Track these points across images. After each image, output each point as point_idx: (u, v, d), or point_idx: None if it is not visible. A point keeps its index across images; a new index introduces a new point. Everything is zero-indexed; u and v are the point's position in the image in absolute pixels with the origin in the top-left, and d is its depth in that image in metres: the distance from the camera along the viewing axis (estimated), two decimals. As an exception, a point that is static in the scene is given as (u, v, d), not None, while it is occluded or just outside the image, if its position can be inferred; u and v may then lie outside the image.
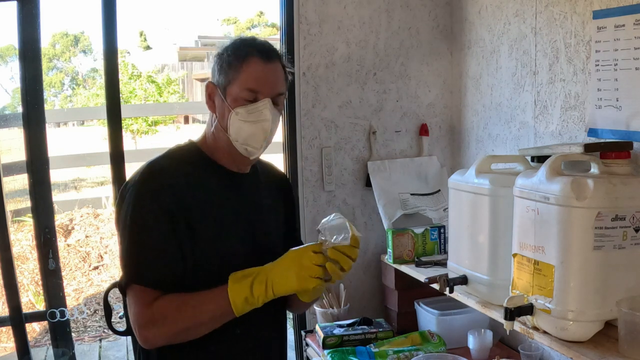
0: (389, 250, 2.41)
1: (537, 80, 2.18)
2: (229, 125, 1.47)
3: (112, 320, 2.35)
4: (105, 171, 8.36)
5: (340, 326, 2.47)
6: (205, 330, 1.42)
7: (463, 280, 1.86)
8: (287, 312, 1.72)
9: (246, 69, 1.46)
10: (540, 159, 1.85)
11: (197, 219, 1.45)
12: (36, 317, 2.89)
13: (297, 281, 1.38)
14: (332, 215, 1.46)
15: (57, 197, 7.26)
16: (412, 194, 2.65)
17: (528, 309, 1.52)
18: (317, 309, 2.59)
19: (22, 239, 5.96)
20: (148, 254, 1.41)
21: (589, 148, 1.63)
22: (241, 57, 1.47)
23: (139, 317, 1.40)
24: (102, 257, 6.46)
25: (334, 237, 1.40)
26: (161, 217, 1.41)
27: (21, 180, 2.73)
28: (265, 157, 1.63)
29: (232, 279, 1.40)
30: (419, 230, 2.40)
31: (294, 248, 1.44)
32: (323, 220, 1.45)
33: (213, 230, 1.47)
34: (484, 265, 1.78)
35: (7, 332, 4.47)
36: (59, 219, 6.63)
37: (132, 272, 1.42)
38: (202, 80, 12.02)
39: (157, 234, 1.41)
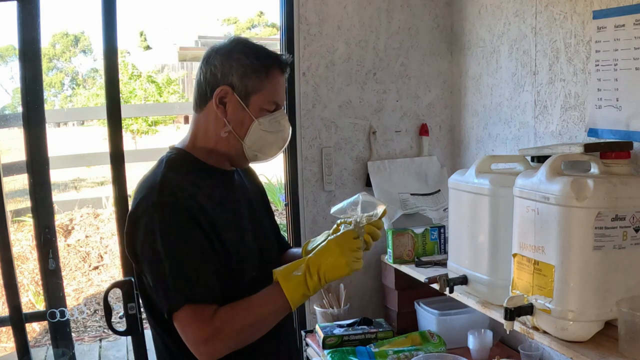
0: (389, 250, 2.41)
1: (537, 80, 2.18)
2: (248, 134, 1.51)
3: (112, 320, 2.37)
4: (105, 171, 8.33)
5: (340, 326, 2.47)
6: (267, 330, 1.48)
7: (463, 280, 1.86)
8: None
9: (272, 80, 1.51)
10: (540, 159, 1.85)
11: (220, 225, 1.48)
12: (36, 317, 2.88)
13: (348, 267, 1.47)
14: (353, 197, 1.56)
15: (57, 197, 7.25)
16: (412, 194, 2.65)
17: (528, 309, 1.52)
18: (317, 309, 2.59)
19: (22, 239, 5.95)
20: (195, 271, 1.42)
21: (589, 148, 1.64)
22: (266, 66, 1.51)
23: (200, 335, 1.40)
24: (102, 257, 6.45)
25: (365, 214, 1.54)
26: (194, 231, 1.42)
27: (21, 180, 2.73)
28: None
29: (282, 278, 1.45)
30: (419, 230, 2.40)
31: (333, 236, 1.51)
32: (343, 204, 1.57)
33: (233, 232, 1.52)
34: (484, 265, 1.78)
35: (7, 332, 4.47)
36: (59, 219, 6.62)
37: (183, 293, 1.40)
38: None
39: (196, 248, 1.42)
